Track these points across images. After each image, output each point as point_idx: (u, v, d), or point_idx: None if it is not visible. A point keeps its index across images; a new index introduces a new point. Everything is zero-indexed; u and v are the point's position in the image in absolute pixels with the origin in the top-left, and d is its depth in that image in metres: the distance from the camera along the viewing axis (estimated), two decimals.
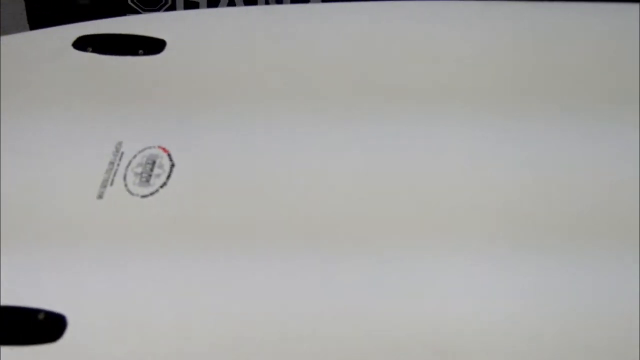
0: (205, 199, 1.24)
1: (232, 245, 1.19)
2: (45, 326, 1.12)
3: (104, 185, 1.26)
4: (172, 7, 2.07)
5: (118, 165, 1.29)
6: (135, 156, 1.30)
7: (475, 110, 1.32)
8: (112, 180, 1.27)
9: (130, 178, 1.27)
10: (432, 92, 1.37)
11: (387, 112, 1.34)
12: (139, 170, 1.28)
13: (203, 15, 1.62)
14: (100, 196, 1.25)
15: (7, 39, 1.54)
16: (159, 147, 1.30)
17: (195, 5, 2.06)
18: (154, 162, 1.28)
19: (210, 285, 1.15)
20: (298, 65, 1.44)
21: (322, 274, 1.15)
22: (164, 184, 1.26)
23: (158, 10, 2.06)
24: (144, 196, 1.25)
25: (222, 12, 1.69)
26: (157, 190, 1.25)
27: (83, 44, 1.50)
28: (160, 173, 1.27)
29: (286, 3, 2.02)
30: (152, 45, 1.48)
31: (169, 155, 1.29)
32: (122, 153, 1.30)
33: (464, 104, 1.34)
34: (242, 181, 1.26)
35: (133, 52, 1.47)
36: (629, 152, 1.24)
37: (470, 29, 1.47)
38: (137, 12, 2.05)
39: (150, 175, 1.27)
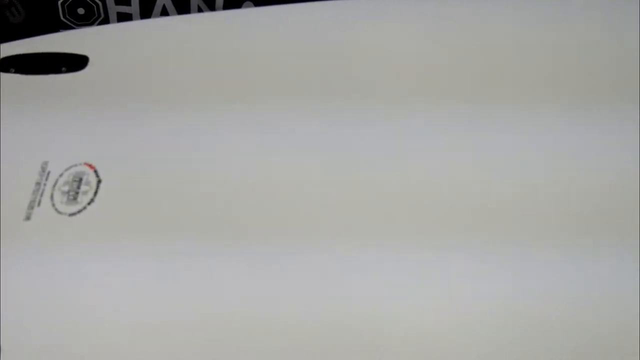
0: (132, 212, 1.24)
1: (166, 255, 1.19)
2: None
3: (31, 207, 1.26)
4: (106, 21, 2.06)
5: (45, 185, 1.28)
6: (61, 175, 1.29)
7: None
8: (40, 201, 1.26)
9: (58, 197, 1.27)
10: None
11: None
12: (66, 188, 1.27)
13: (125, 28, 1.61)
14: (27, 217, 1.24)
15: None
16: (85, 163, 1.30)
17: (129, 17, 2.05)
18: (80, 180, 1.28)
19: (146, 299, 1.15)
20: (225, 71, 1.43)
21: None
22: (92, 200, 1.26)
23: (91, 24, 2.05)
24: (72, 214, 1.24)
25: (146, 24, 1.69)
26: (84, 208, 1.25)
27: (6, 65, 1.49)
28: (87, 190, 1.27)
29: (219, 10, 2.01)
30: (75, 62, 1.47)
31: (95, 171, 1.29)
32: (49, 172, 1.30)
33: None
34: (170, 192, 1.26)
35: (56, 70, 1.46)
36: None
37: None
38: (71, 28, 2.04)
39: (77, 193, 1.26)
